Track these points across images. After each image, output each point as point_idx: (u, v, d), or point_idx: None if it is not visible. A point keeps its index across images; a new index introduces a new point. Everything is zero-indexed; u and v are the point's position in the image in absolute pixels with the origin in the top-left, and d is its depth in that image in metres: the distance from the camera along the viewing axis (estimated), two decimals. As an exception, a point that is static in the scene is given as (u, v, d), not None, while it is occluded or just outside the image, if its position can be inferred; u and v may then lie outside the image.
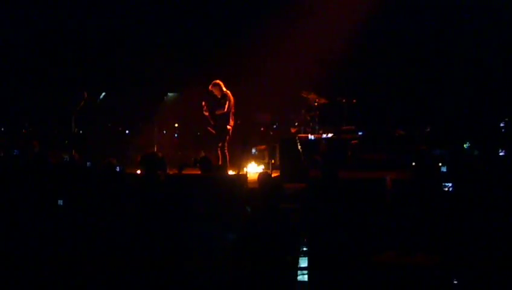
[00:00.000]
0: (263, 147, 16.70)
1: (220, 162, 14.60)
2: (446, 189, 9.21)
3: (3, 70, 19.78)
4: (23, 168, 11.44)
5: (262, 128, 17.76)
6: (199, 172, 13.63)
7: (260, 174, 11.14)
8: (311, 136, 14.72)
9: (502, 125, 15.50)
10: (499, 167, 11.49)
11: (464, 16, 17.55)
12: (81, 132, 17.28)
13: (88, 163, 11.20)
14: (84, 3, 19.83)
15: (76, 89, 16.46)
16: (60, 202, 9.94)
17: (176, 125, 19.00)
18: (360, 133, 15.10)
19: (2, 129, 19.48)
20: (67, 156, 13.60)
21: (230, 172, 14.44)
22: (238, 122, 15.11)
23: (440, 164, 13.29)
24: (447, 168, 10.22)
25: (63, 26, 20.07)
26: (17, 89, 19.85)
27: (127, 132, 19.13)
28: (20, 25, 19.95)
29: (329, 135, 14.84)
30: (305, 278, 8.28)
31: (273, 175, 14.37)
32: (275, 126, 18.25)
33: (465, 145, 14.71)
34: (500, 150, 13.05)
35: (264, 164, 16.42)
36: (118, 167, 11.42)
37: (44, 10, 19.81)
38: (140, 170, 13.23)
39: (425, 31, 17.77)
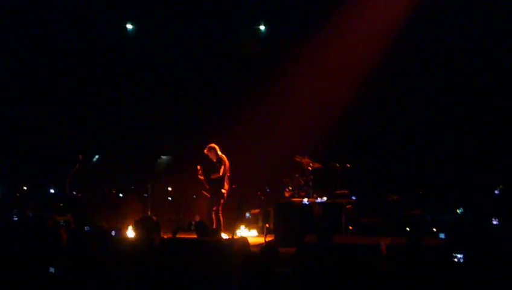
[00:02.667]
0: (257, 211, 16.69)
1: (215, 226, 14.58)
2: (456, 260, 9.05)
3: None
4: (20, 233, 11.37)
5: (258, 193, 17.79)
6: (194, 236, 13.60)
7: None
8: (305, 201, 14.73)
9: (496, 192, 15.59)
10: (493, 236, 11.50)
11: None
12: (75, 193, 17.26)
13: (86, 227, 11.15)
14: (80, 67, 20.01)
15: (71, 152, 16.49)
16: (52, 269, 9.82)
17: (170, 189, 18.99)
18: (354, 198, 15.12)
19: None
20: (62, 220, 13.56)
21: (224, 236, 14.41)
22: (233, 186, 15.14)
23: (434, 229, 13.42)
24: (445, 235, 10.19)
25: (56, 89, 20.21)
26: (13, 152, 19.89)
27: (120, 195, 19.10)
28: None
29: (324, 199, 14.85)
30: None
31: (267, 239, 14.39)
32: (268, 190, 18.29)
33: (458, 211, 14.76)
34: (493, 219, 13.07)
35: (258, 228, 16.39)
36: (113, 231, 11.40)
37: (37, 73, 20.01)
38: (135, 234, 13.19)
39: (413, 97, 17.99)
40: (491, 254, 9.29)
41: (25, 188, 19.54)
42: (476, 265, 9.00)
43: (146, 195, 17.60)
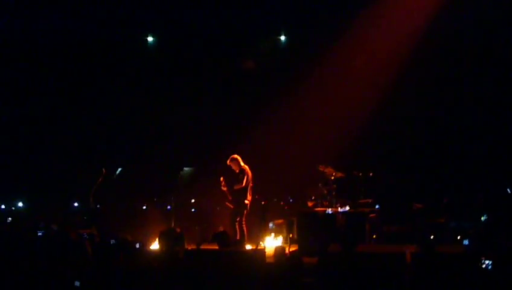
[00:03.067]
0: (281, 221, 16.68)
1: (238, 237, 14.63)
2: (484, 266, 8.97)
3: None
4: (44, 247, 11.46)
5: (281, 203, 17.79)
6: (217, 247, 13.65)
7: (276, 248, 11.18)
8: (328, 210, 14.72)
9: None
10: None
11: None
12: (99, 206, 17.36)
13: (112, 241, 11.22)
14: (104, 80, 20.17)
15: (94, 166, 16.59)
16: (77, 283, 9.87)
17: (193, 201, 19.04)
18: (377, 207, 15.08)
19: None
20: (86, 233, 13.65)
21: (248, 246, 14.43)
22: (256, 196, 15.17)
23: (459, 237, 13.35)
24: (469, 241, 10.12)
25: (80, 102, 20.36)
26: (38, 166, 20.05)
27: (144, 207, 19.14)
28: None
29: (347, 209, 14.83)
30: None
31: (291, 249, 14.37)
32: (291, 200, 18.29)
33: (482, 218, 14.67)
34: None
35: (282, 237, 16.37)
36: (137, 244, 11.46)
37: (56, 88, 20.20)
38: (159, 246, 13.26)
39: (435, 105, 17.92)
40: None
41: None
42: (502, 271, 8.93)
43: (169, 207, 17.63)
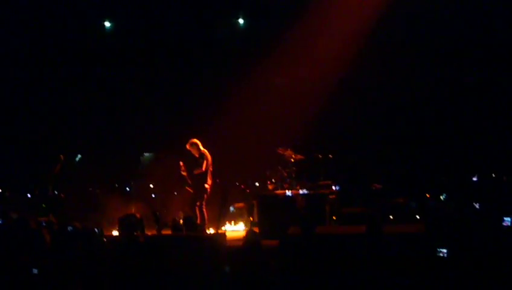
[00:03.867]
0: (241, 204, 16.70)
1: (199, 221, 14.59)
2: (441, 255, 9.04)
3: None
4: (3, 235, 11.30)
5: (242, 186, 17.79)
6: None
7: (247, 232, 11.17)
8: (288, 193, 14.75)
9: (474, 179, 15.69)
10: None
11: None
12: (58, 193, 17.19)
13: (69, 227, 11.10)
14: (60, 66, 19.90)
15: (52, 152, 16.43)
16: (35, 270, 9.76)
17: (151, 186, 18.95)
18: (337, 188, 15.16)
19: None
20: (43, 220, 13.51)
21: (211, 230, 14.43)
22: (217, 180, 15.14)
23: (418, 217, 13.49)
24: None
25: (37, 87, 20.07)
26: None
27: (103, 193, 18.98)
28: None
29: (306, 191, 14.87)
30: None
31: (251, 232, 14.37)
32: (254, 183, 18.35)
33: (441, 197, 14.84)
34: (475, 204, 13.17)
35: (243, 221, 16.41)
36: (96, 230, 11.37)
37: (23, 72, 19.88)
38: (118, 232, 13.18)
39: (393, 84, 18.02)
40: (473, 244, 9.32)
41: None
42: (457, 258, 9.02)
43: (129, 192, 17.56)
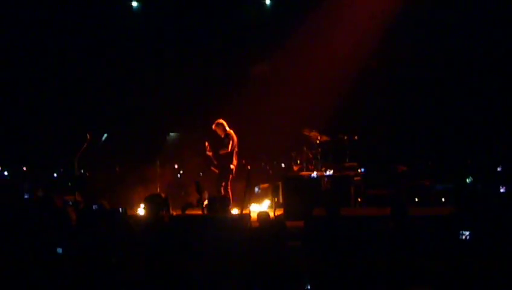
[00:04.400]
0: (266, 185, 16.70)
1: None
2: (463, 237, 8.99)
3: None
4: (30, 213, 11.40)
5: (267, 167, 17.74)
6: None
7: (259, 213, 11.20)
8: (313, 174, 14.72)
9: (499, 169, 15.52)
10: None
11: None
12: (84, 172, 17.32)
13: (94, 206, 11.18)
14: (87, 46, 19.95)
15: (79, 131, 16.51)
16: (59, 250, 9.82)
17: (176, 166, 19.01)
18: (362, 170, 15.09)
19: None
20: (71, 200, 13.62)
21: (234, 211, 14.45)
22: (243, 161, 15.15)
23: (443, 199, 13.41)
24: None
25: (64, 69, 20.15)
26: (20, 131, 19.91)
27: (128, 172, 19.09)
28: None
29: (332, 172, 14.83)
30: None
31: (277, 213, 14.40)
32: (279, 164, 18.33)
33: (467, 180, 14.74)
34: (501, 187, 13.08)
35: (269, 201, 16.39)
36: (120, 209, 11.43)
37: (45, 53, 19.94)
38: (144, 211, 13.25)
39: (425, 70, 17.85)
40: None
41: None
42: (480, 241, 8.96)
43: (155, 172, 17.62)
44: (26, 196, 15.34)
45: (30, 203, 13.45)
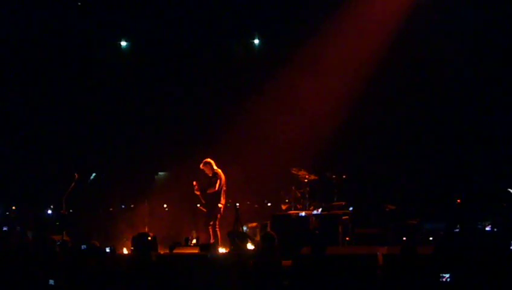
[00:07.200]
0: (254, 224, 16.68)
1: (212, 240, 14.62)
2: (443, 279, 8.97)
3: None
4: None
5: (256, 205, 17.78)
6: (191, 251, 13.62)
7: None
8: (302, 213, 14.74)
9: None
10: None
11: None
12: (72, 212, 17.24)
13: (83, 246, 11.17)
14: (75, 86, 20.00)
15: (66, 171, 16.51)
16: (51, 281, 9.83)
17: (164, 205, 18.99)
18: (350, 209, 15.12)
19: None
20: (59, 240, 13.56)
21: (222, 250, 14.43)
22: (230, 200, 15.17)
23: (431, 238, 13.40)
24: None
25: (53, 107, 20.17)
26: (9, 171, 19.83)
27: (117, 211, 19.08)
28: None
29: (320, 211, 14.85)
30: None
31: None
32: (268, 204, 18.34)
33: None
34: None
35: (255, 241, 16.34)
36: (108, 249, 11.40)
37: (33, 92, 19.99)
38: (132, 251, 13.22)
39: (407, 109, 17.90)
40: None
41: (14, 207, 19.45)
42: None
43: (144, 211, 17.58)
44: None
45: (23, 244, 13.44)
